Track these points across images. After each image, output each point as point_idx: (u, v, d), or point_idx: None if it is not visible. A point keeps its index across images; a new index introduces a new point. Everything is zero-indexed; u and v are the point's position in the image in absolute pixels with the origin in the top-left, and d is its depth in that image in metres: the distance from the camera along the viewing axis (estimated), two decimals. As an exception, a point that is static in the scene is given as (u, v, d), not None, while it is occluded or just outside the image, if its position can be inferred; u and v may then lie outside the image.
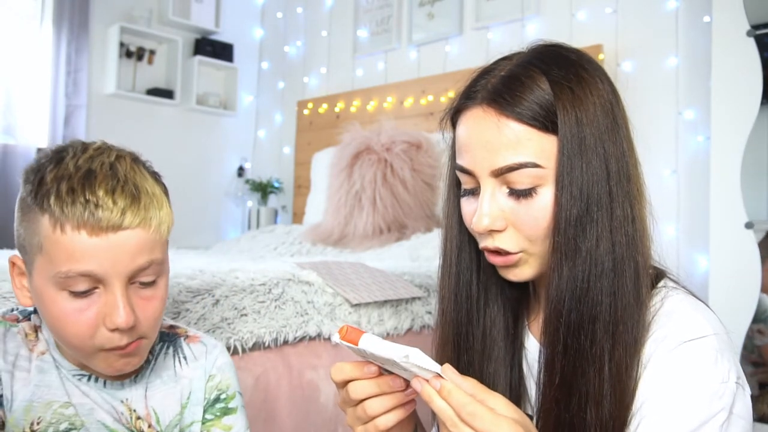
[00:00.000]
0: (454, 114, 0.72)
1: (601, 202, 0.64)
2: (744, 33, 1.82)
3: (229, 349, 1.22)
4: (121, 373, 0.72)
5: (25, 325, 0.76)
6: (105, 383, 0.75)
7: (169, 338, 0.84)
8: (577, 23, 2.48)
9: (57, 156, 0.68)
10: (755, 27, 1.81)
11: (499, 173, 0.66)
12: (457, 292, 0.77)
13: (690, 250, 2.15)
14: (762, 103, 1.80)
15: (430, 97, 2.92)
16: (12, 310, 0.78)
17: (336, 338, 0.59)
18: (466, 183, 0.71)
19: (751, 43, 1.81)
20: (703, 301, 0.68)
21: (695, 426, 0.59)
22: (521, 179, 0.65)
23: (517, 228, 0.67)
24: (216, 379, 0.82)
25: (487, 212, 0.66)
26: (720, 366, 0.60)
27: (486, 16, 2.78)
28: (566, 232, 0.64)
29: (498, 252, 0.69)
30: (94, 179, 0.66)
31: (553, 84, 0.65)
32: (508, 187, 0.66)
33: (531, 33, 2.62)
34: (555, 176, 0.64)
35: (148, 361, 0.79)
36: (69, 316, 0.66)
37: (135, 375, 0.78)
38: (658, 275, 0.70)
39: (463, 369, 0.76)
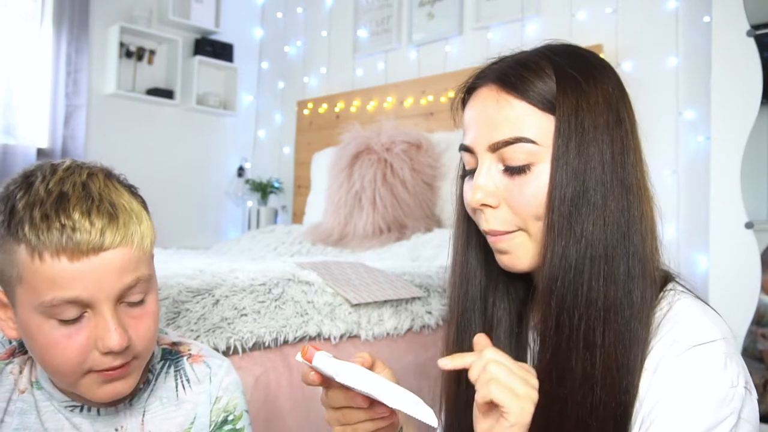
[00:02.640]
0: (466, 94, 0.74)
1: (597, 189, 0.64)
2: (744, 33, 1.82)
3: (229, 349, 1.22)
4: (111, 399, 0.69)
5: (20, 360, 0.73)
6: (99, 411, 0.73)
7: (171, 356, 0.81)
8: (577, 23, 2.48)
9: (26, 181, 0.65)
10: (755, 27, 1.81)
11: (496, 148, 0.67)
12: (462, 286, 0.78)
13: (690, 250, 2.15)
14: (762, 103, 1.80)
15: (430, 97, 2.92)
16: (10, 342, 0.75)
17: (298, 357, 0.62)
18: (469, 163, 0.72)
19: (751, 43, 1.81)
20: (711, 306, 0.67)
21: (705, 429, 0.59)
22: (516, 155, 0.66)
23: (510, 206, 0.68)
24: (223, 401, 0.80)
25: (481, 185, 0.68)
26: (729, 370, 0.60)
27: (486, 16, 2.78)
28: (560, 210, 0.64)
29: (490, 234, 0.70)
30: (67, 202, 0.63)
31: (558, 70, 0.67)
32: (504, 164, 0.68)
33: (531, 33, 2.62)
34: (551, 155, 0.65)
35: (147, 382, 0.77)
36: (58, 343, 0.63)
37: (131, 398, 0.75)
38: (667, 278, 0.70)
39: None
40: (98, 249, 0.63)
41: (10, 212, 0.63)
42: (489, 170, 0.68)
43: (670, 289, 0.68)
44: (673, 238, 2.17)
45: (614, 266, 0.64)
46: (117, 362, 0.66)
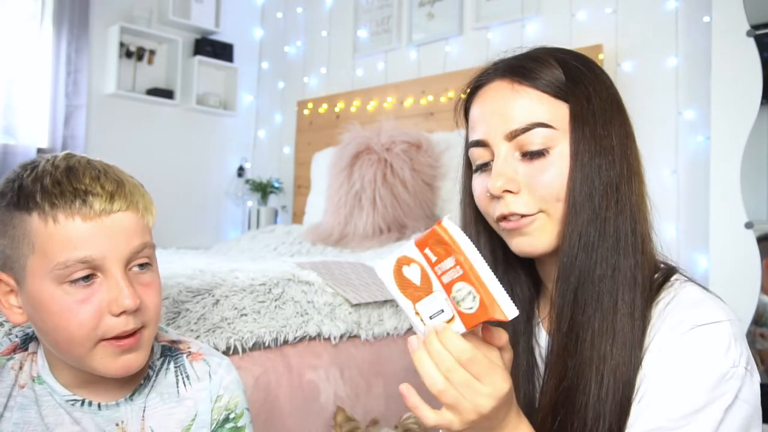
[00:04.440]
0: (470, 96, 0.76)
1: (609, 170, 0.68)
2: (744, 33, 1.82)
3: (229, 349, 1.22)
4: (124, 374, 0.70)
5: (21, 356, 0.74)
6: (99, 406, 0.73)
7: (170, 353, 0.81)
8: (577, 23, 2.48)
9: (30, 165, 0.69)
10: (755, 27, 1.81)
11: (513, 136, 0.69)
12: None
13: (690, 250, 2.15)
14: (762, 103, 1.80)
15: (430, 97, 2.92)
16: (10, 334, 0.76)
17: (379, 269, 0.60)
18: (480, 158, 0.73)
19: (751, 43, 1.81)
20: (716, 295, 0.69)
21: (700, 406, 0.60)
22: (533, 140, 0.68)
23: (530, 190, 0.69)
24: (224, 399, 0.80)
25: (501, 172, 0.69)
26: (732, 351, 0.61)
27: (486, 16, 2.78)
28: (581, 190, 0.67)
29: (509, 220, 0.71)
30: (76, 170, 0.67)
31: (562, 63, 0.71)
32: (521, 151, 0.69)
33: (531, 33, 2.62)
34: (569, 139, 0.68)
35: (148, 378, 0.77)
36: (71, 308, 0.65)
37: (132, 393, 0.75)
38: (671, 270, 0.72)
39: None
40: (109, 211, 0.67)
41: (18, 188, 0.66)
42: (506, 158, 0.70)
43: (675, 279, 0.70)
44: (673, 238, 2.17)
45: (621, 243, 0.67)
46: (130, 326, 0.67)
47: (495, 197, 0.70)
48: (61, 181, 0.66)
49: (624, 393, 0.64)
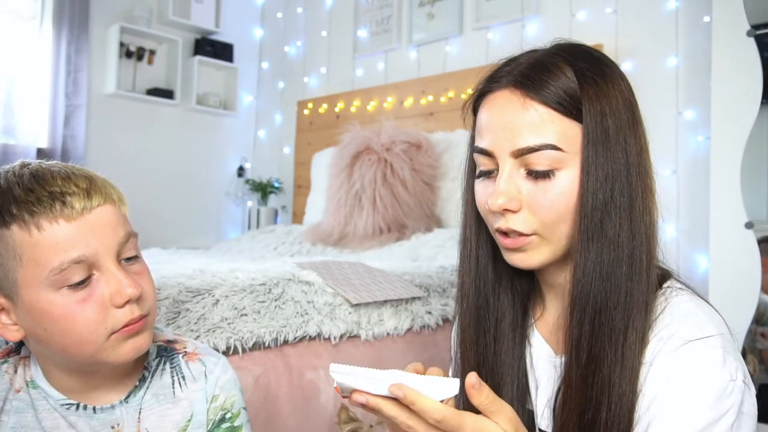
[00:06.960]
0: (477, 98, 0.73)
1: (623, 191, 0.65)
2: (744, 33, 1.82)
3: (229, 349, 1.22)
4: (135, 356, 0.70)
5: (14, 360, 0.74)
6: (95, 409, 0.73)
7: (166, 353, 0.81)
8: (577, 23, 2.48)
9: None
10: (755, 27, 1.81)
11: (519, 154, 0.67)
12: (476, 278, 0.78)
13: (690, 250, 2.15)
14: (762, 103, 1.80)
15: (430, 97, 2.92)
16: (6, 342, 0.76)
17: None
18: (484, 165, 0.71)
19: (751, 43, 1.81)
20: (708, 303, 0.68)
21: (706, 424, 0.59)
22: (540, 161, 0.66)
23: (531, 210, 0.68)
24: (220, 399, 0.80)
25: (503, 190, 0.67)
26: (728, 365, 0.61)
27: (486, 16, 2.78)
28: (593, 216, 0.65)
29: (508, 235, 0.70)
30: (43, 175, 0.66)
31: (578, 74, 0.67)
32: (526, 169, 0.67)
33: (531, 33, 2.62)
34: (580, 162, 0.66)
35: (143, 379, 0.77)
36: (75, 309, 0.65)
37: (127, 395, 0.75)
38: (664, 276, 0.71)
39: (481, 353, 0.78)
40: (90, 208, 0.67)
41: None
42: (511, 175, 0.68)
43: (668, 286, 0.69)
44: (673, 238, 2.16)
45: (637, 267, 0.65)
46: (136, 314, 0.68)
47: (494, 212, 0.70)
48: (32, 188, 0.64)
49: (630, 417, 0.63)
